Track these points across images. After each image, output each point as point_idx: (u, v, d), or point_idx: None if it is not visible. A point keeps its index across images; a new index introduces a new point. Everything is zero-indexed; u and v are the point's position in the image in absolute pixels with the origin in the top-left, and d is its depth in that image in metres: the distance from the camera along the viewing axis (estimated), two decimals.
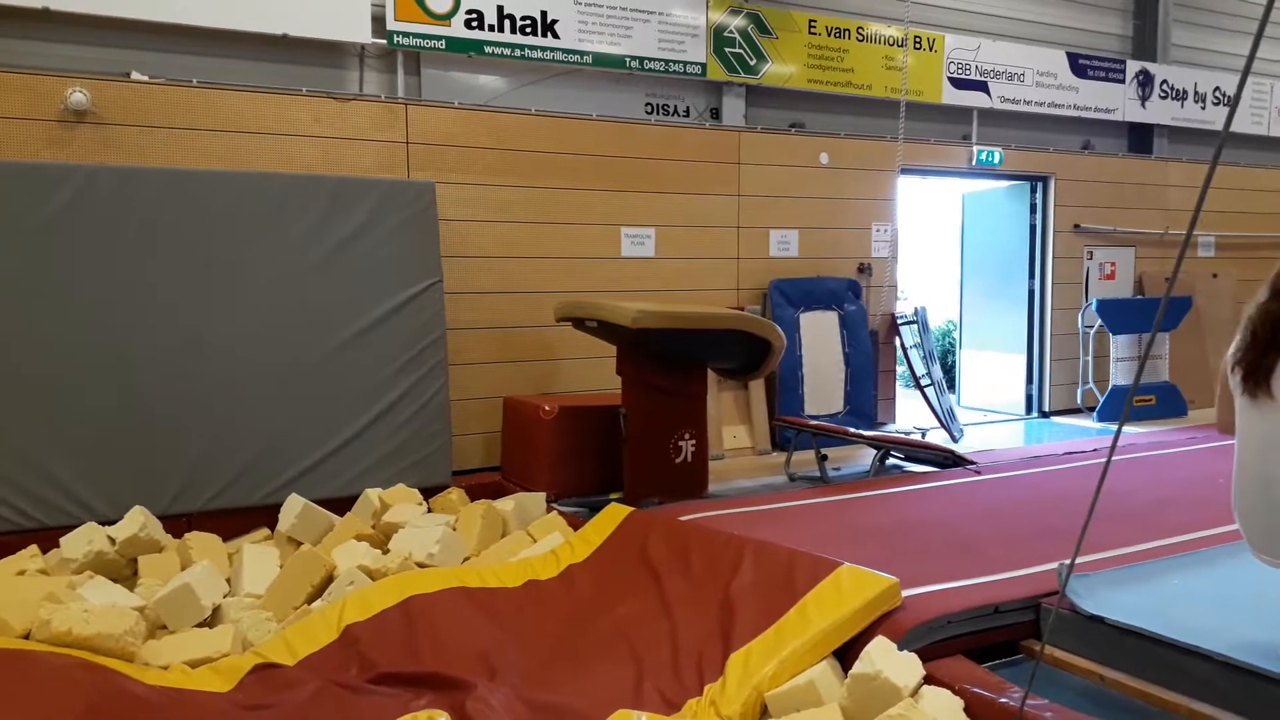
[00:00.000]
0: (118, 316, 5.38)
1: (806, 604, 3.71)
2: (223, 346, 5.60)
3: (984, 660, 3.62)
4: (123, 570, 4.75)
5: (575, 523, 5.30)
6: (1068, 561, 3.40)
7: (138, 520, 4.83)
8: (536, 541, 5.12)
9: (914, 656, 3.35)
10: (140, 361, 5.40)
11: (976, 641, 3.71)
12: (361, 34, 6.77)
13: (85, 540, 4.69)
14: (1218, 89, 11.11)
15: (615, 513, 5.04)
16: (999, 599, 3.83)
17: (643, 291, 7.56)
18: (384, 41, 6.86)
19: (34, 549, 4.76)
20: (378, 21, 6.80)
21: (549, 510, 5.59)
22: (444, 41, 7.04)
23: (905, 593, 3.72)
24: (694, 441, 6.00)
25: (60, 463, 5.19)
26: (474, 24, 7.10)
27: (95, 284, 5.33)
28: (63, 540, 4.72)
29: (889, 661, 3.25)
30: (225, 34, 6.43)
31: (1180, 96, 10.84)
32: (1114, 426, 8.90)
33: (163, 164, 5.89)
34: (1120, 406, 9.19)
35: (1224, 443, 7.60)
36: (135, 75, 6.11)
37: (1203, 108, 11.02)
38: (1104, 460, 2.36)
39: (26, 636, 3.78)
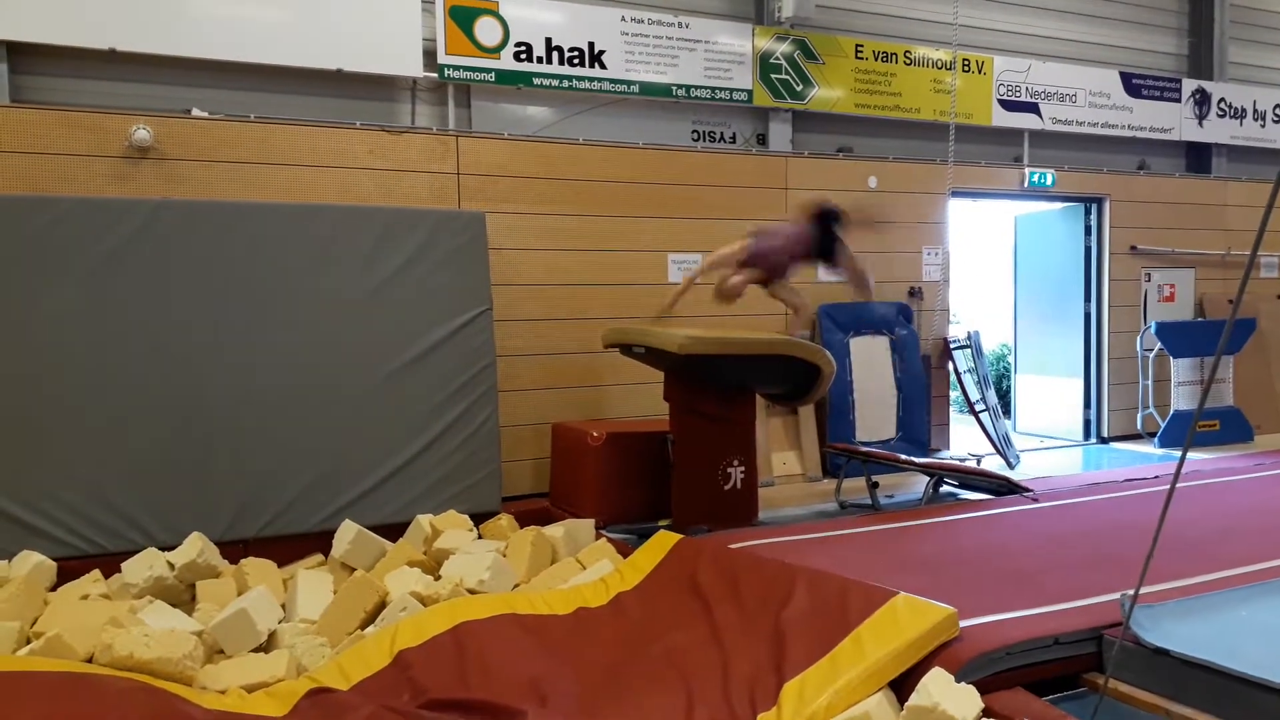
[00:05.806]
0: (178, 347, 5.51)
1: (861, 634, 3.65)
2: (279, 375, 5.71)
3: (1044, 693, 3.53)
4: (181, 595, 4.84)
5: (624, 550, 5.29)
6: (1131, 592, 3.31)
7: (196, 546, 4.92)
8: (586, 568, 5.11)
9: (972, 689, 3.27)
10: (199, 390, 5.53)
11: (1036, 674, 3.62)
12: (413, 68, 6.92)
13: (146, 565, 4.79)
14: (1278, 106, 10.86)
15: (664, 540, 5.02)
16: (1059, 630, 3.73)
17: (690, 317, 7.55)
18: (435, 75, 7.00)
19: (96, 574, 4.88)
20: (429, 55, 6.95)
21: (598, 537, 5.58)
22: (493, 74, 7.16)
23: (962, 623, 3.65)
24: (743, 468, 5.96)
25: (121, 490, 5.32)
26: (523, 56, 7.22)
27: (157, 315, 5.48)
28: (124, 565, 4.83)
29: (947, 694, 3.19)
30: (281, 70, 6.61)
31: (1239, 115, 10.61)
32: (1176, 452, 8.66)
33: (223, 197, 6.05)
34: (1183, 432, 8.95)
35: None
36: (196, 112, 6.31)
37: (1263, 126, 10.77)
38: (1167, 488, 2.30)
39: (90, 660, 3.88)
